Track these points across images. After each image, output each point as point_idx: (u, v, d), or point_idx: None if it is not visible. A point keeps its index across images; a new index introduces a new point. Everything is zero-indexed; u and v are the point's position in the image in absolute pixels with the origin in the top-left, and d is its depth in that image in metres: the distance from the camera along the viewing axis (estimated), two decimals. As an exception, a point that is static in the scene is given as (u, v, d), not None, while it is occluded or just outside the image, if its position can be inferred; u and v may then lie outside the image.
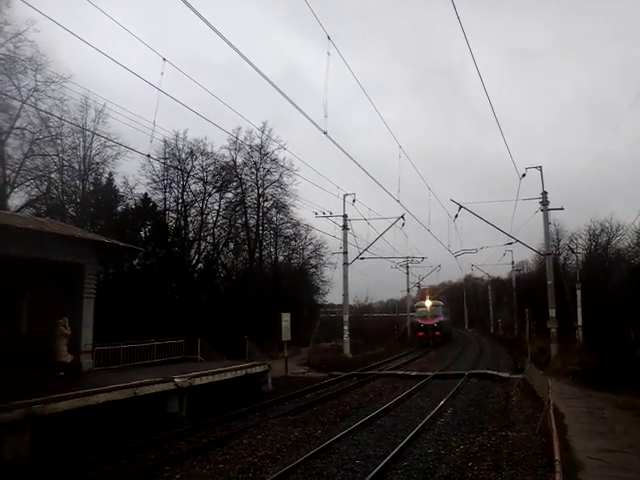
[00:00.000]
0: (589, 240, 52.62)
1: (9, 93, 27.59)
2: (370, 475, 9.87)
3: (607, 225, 51.21)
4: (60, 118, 30.70)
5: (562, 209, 31.49)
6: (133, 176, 40.57)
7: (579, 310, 34.95)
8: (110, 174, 38.55)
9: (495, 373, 26.42)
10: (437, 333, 51.59)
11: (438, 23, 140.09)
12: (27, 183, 32.96)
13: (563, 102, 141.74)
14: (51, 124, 31.85)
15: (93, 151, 36.62)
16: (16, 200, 32.01)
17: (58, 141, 33.75)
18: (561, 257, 51.99)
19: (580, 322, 34.50)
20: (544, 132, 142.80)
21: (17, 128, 29.69)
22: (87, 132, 34.79)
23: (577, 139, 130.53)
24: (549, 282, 29.83)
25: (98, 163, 37.41)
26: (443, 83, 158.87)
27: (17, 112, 29.00)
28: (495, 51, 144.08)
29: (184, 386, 15.73)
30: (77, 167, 36.18)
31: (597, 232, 51.95)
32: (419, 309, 55.04)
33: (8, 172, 30.72)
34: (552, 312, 29.00)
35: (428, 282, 70.26)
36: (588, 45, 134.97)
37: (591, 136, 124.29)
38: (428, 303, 53.62)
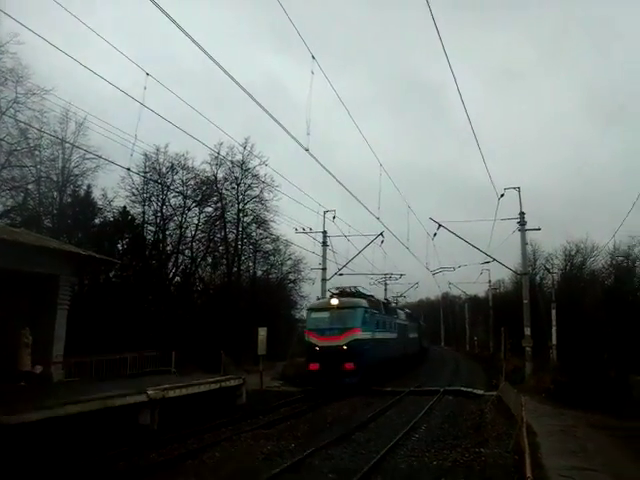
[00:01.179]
0: (565, 260, 53.44)
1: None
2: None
3: (582, 246, 52.07)
4: (39, 130, 30.45)
5: (539, 229, 32.10)
6: (112, 189, 40.26)
7: (554, 329, 35.27)
8: (89, 186, 38.26)
9: (470, 390, 26.53)
10: (349, 366, 25.39)
11: (420, 42, 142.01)
12: (2, 193, 32.48)
13: (544, 120, 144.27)
14: (30, 136, 31.54)
15: (72, 163, 36.29)
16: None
17: (36, 152, 33.36)
18: (537, 277, 52.68)
19: (554, 341, 34.80)
20: (524, 151, 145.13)
21: (-5, 139, 29.33)
22: (66, 144, 34.50)
23: (556, 158, 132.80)
24: (525, 301, 30.19)
25: (77, 175, 37.09)
26: (425, 102, 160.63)
27: (-5, 123, 28.67)
28: (477, 69, 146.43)
29: (157, 398, 15.54)
30: (55, 179, 35.80)
31: (572, 252, 52.79)
32: (314, 314, 28.32)
33: (-17, 182, 30.28)
34: (527, 331, 29.32)
35: (406, 299, 70.51)
36: (569, 63, 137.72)
37: (569, 156, 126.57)
38: (334, 302, 27.57)
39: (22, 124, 29.05)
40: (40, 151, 33.68)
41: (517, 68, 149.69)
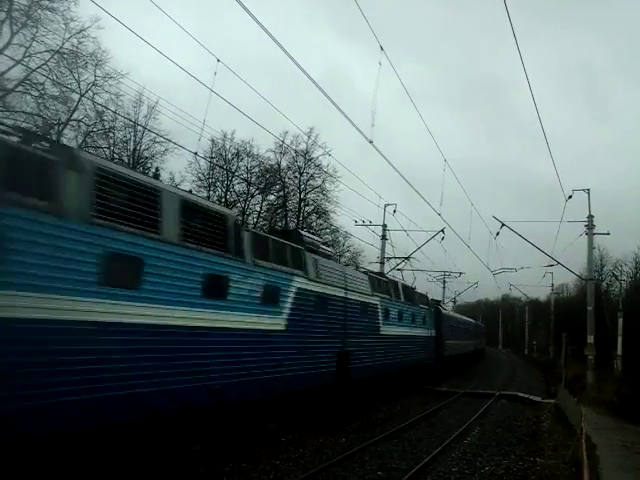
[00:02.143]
0: (635, 268, 51.19)
1: (69, 86, 28.53)
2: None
3: (655, 254, 49.66)
4: (114, 112, 31.66)
5: (608, 234, 30.71)
6: (179, 172, 41.57)
7: (619, 339, 33.88)
8: (157, 169, 39.47)
9: (526, 396, 25.88)
10: None
11: (488, 36, 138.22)
12: (79, 174, 33.91)
13: (618, 122, 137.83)
14: (105, 118, 32.82)
15: (143, 146, 37.55)
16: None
17: (111, 134, 34.78)
18: (604, 283, 50.66)
19: (620, 352, 33.43)
20: (595, 151, 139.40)
21: (74, 120, 30.66)
22: (138, 127, 35.74)
23: (631, 161, 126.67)
24: (589, 308, 29.05)
25: (147, 158, 38.35)
26: (492, 97, 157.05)
27: (75, 105, 29.96)
28: (548, 65, 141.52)
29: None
30: (126, 160, 37.15)
31: (644, 260, 50.43)
32: None
33: (62, 162, 31.66)
34: (590, 339, 28.22)
35: (465, 299, 69.23)
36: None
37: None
38: None
39: (99, 106, 30.28)
40: (114, 133, 35.11)
41: (592, 67, 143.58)
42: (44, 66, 26.90)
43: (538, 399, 25.28)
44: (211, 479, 9.69)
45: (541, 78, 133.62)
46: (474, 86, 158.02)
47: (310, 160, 44.50)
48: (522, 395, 26.12)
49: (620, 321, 34.72)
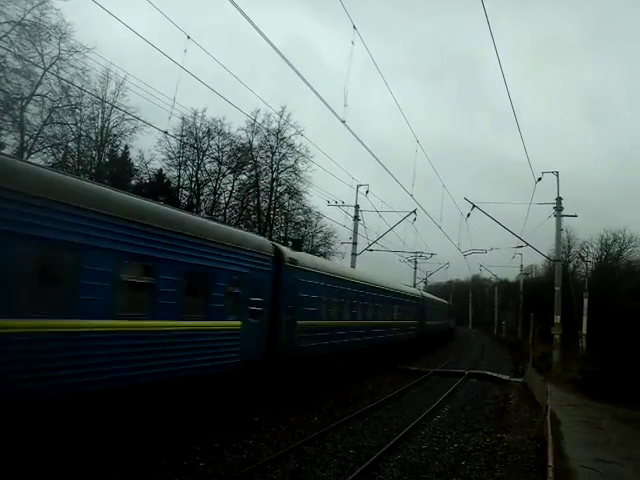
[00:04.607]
0: (600, 249, 52.35)
1: (32, 60, 27.60)
2: (363, 466, 9.94)
3: (620, 236, 50.87)
4: (80, 88, 30.75)
5: (576, 216, 31.26)
6: (149, 151, 40.70)
7: (584, 319, 34.67)
8: (126, 147, 38.74)
9: (495, 375, 26.40)
10: None
11: (460, 9, 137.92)
12: (44, 150, 33.08)
13: (587, 101, 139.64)
14: (71, 93, 31.85)
15: (111, 123, 36.76)
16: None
17: (77, 111, 33.82)
18: (571, 264, 51.65)
19: (585, 331, 34.24)
20: (565, 132, 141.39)
21: (38, 95, 29.72)
22: (106, 104, 34.88)
23: (599, 142, 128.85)
24: (556, 288, 29.67)
25: (115, 135, 37.57)
26: (464, 75, 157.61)
27: (39, 79, 29.00)
28: (519, 41, 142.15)
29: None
30: (94, 138, 36.33)
31: (609, 242, 51.63)
32: None
33: (26, 138, 30.78)
34: (557, 318, 28.86)
35: (436, 279, 69.97)
36: (619, 40, 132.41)
37: (614, 141, 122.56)
38: None
39: (64, 81, 29.41)
40: (81, 109, 34.19)
41: (562, 45, 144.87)
42: (5, 38, 25.94)
43: (506, 378, 25.82)
44: (183, 459, 9.65)
45: (512, 55, 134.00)
46: (445, 63, 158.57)
47: (282, 139, 44.19)
48: (491, 374, 26.65)
49: (585, 301, 35.48)
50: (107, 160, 38.03)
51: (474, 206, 29.44)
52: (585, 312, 35.03)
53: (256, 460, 9.96)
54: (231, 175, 44.34)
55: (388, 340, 27.15)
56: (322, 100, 15.09)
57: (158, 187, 39.71)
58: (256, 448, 10.91)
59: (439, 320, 49.37)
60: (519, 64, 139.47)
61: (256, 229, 44.85)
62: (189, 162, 42.79)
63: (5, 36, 25.90)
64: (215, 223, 14.79)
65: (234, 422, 12.33)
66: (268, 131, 43.53)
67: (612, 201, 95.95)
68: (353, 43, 15.46)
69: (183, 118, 38.97)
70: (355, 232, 35.71)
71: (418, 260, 57.65)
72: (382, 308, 26.08)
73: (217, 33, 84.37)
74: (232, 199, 44.95)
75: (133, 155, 39.62)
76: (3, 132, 29.56)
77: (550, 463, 9.44)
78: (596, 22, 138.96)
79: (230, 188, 44.64)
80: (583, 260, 48.41)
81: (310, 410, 15.09)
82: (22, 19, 26.46)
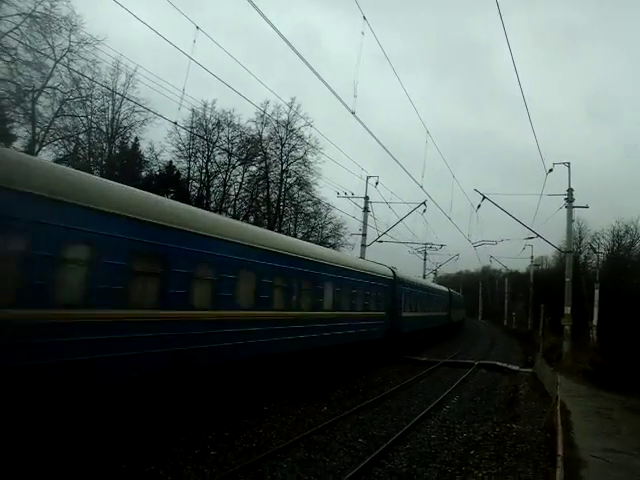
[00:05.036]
0: (612, 241, 51.90)
1: (43, 52, 27.71)
2: (372, 455, 9.99)
3: (632, 227, 50.42)
4: (91, 80, 30.91)
5: (587, 207, 31.03)
6: (159, 142, 41.09)
7: (595, 310, 34.54)
8: (136, 139, 38.92)
9: (505, 365, 26.37)
10: None
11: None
12: (55, 142, 33.32)
13: (599, 91, 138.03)
14: (82, 85, 32.05)
15: (121, 115, 36.90)
16: (44, 158, 32.41)
17: (88, 103, 34.03)
18: (582, 256, 51.34)
19: (595, 322, 34.11)
20: (576, 123, 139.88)
21: (49, 87, 29.89)
22: (117, 96, 35.02)
23: (611, 134, 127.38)
24: (567, 279, 29.50)
25: (125, 127, 37.71)
26: (473, 64, 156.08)
27: (50, 71, 29.13)
28: (530, 30, 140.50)
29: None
30: (105, 130, 36.49)
31: (621, 233, 51.20)
32: None
33: (37, 130, 31.00)
34: (567, 309, 28.73)
35: (445, 270, 69.77)
36: (633, 27, 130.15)
37: (627, 132, 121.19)
38: None
39: (75, 73, 29.53)
40: (91, 101, 34.40)
41: (574, 33, 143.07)
42: (16, 30, 26.02)
43: (516, 368, 25.78)
44: (194, 447, 9.76)
45: (523, 45, 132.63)
46: (455, 53, 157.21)
47: (292, 131, 44.17)
48: (500, 364, 26.61)
49: (597, 292, 35.34)
50: (117, 152, 38.22)
51: (484, 197, 29.31)
52: (596, 303, 34.90)
53: (266, 449, 10.04)
54: (241, 167, 44.52)
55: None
56: (332, 91, 15.07)
57: (168, 179, 39.88)
58: (266, 437, 11.00)
59: (429, 310, 38.09)
60: (530, 53, 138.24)
61: (266, 220, 45.00)
62: (199, 154, 42.99)
63: (16, 28, 26.00)
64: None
65: (244, 411, 12.43)
66: (278, 122, 43.60)
67: (624, 192, 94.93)
68: (363, 34, 15.42)
69: (193, 110, 39.11)
70: (365, 223, 35.67)
71: (428, 251, 57.58)
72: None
73: (226, 24, 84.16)
74: (242, 191, 45.13)
75: (143, 147, 39.86)
76: (15, 124, 29.80)
77: (560, 452, 9.45)
78: (609, 9, 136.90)
79: (240, 180, 44.86)
80: (594, 251, 48.21)
81: (320, 399, 15.18)
82: (33, 11, 26.57)
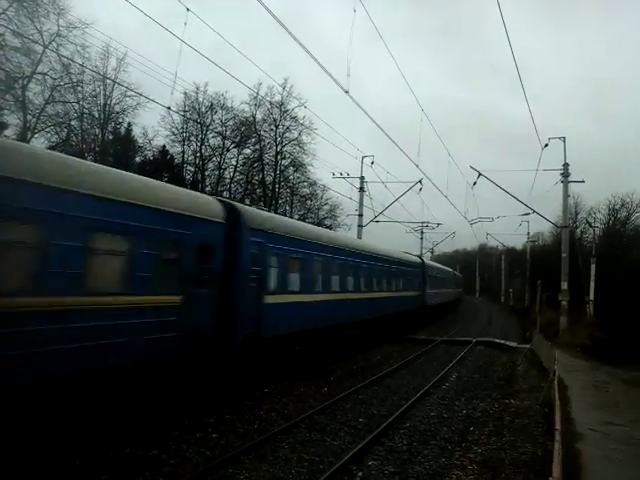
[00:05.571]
0: (608, 215, 51.92)
1: (31, 37, 27.33)
2: (373, 434, 10.09)
3: (628, 200, 50.40)
4: (81, 65, 30.54)
5: (583, 182, 31.07)
6: (152, 127, 40.73)
7: (592, 285, 34.71)
8: (129, 124, 38.63)
9: (503, 342, 26.54)
10: None
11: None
12: (47, 129, 33.02)
13: (597, 61, 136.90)
14: (72, 71, 31.65)
15: (113, 100, 36.56)
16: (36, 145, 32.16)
17: (79, 88, 33.63)
18: (578, 230, 51.42)
19: (592, 297, 34.29)
20: (571, 94, 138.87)
21: (39, 73, 29.54)
22: (108, 81, 34.64)
23: (606, 106, 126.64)
24: (564, 255, 29.63)
25: (118, 112, 37.39)
26: (466, 36, 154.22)
27: (39, 57, 28.78)
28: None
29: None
30: (97, 115, 36.17)
31: (617, 207, 51.21)
32: None
33: (29, 117, 30.71)
34: (564, 285, 28.90)
35: (442, 249, 69.90)
36: None
37: (624, 106, 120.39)
38: None
39: (65, 59, 29.17)
40: (82, 87, 34.01)
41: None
42: (2, 15, 25.69)
43: (514, 344, 25.95)
44: (196, 430, 9.83)
45: (517, 13, 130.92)
46: (447, 24, 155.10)
47: (286, 112, 43.89)
48: (498, 341, 26.79)
49: (593, 267, 35.46)
50: (110, 138, 37.94)
51: (480, 174, 29.33)
52: (593, 278, 35.05)
53: (267, 430, 10.13)
54: (235, 149, 44.33)
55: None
56: (325, 71, 14.94)
57: (162, 163, 39.70)
58: (267, 419, 11.09)
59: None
60: (525, 24, 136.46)
61: (262, 203, 44.90)
62: (193, 137, 42.76)
63: (3, 13, 25.63)
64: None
65: (245, 394, 12.51)
66: (271, 104, 43.26)
67: (620, 165, 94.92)
68: (355, 11, 15.27)
69: (185, 93, 38.82)
70: (361, 204, 35.66)
71: (425, 230, 57.55)
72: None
73: (213, 3, 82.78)
74: (237, 174, 44.98)
75: (136, 132, 39.59)
76: (5, 112, 29.49)
77: (557, 427, 9.56)
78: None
79: (234, 163, 44.69)
80: (590, 226, 48.28)
81: (320, 380, 15.28)
82: (19, -5, 26.16)
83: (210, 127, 42.13)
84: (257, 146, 44.95)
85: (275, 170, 45.82)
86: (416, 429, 10.92)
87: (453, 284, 56.78)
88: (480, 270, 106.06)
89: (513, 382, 16.87)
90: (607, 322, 27.06)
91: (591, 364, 20.47)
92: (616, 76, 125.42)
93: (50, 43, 28.71)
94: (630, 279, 36.31)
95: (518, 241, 79.94)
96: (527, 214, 38.79)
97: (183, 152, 42.37)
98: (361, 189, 35.74)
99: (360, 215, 35.78)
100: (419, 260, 36.62)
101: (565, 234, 31.00)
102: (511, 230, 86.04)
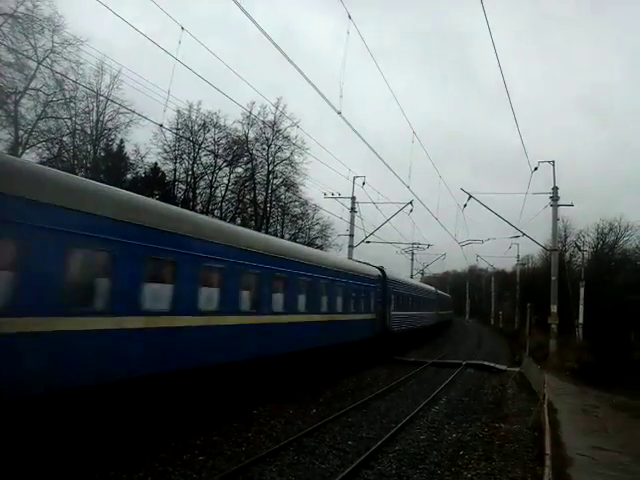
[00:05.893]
0: (597, 239, 52.45)
1: (25, 53, 27.44)
2: (362, 457, 9.98)
3: (616, 224, 50.99)
4: (75, 81, 30.65)
5: (572, 205, 31.37)
6: (144, 144, 40.67)
7: (581, 308, 34.88)
8: (121, 141, 38.67)
9: (492, 365, 26.49)
10: None
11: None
12: (39, 145, 32.99)
13: (584, 83, 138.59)
14: (66, 87, 31.76)
15: (106, 117, 36.65)
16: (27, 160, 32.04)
17: (72, 104, 33.73)
18: (567, 254, 51.80)
19: (581, 320, 34.45)
20: (559, 116, 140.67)
21: (32, 89, 29.59)
22: (101, 97, 34.76)
23: (596, 126, 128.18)
24: (553, 278, 29.75)
25: (110, 129, 37.45)
26: (453, 57, 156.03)
27: (33, 73, 28.87)
28: (511, 21, 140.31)
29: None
30: (89, 132, 36.19)
31: (605, 231, 51.75)
32: None
33: (21, 132, 30.68)
34: (554, 308, 28.98)
35: (432, 270, 70.03)
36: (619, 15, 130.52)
37: (612, 129, 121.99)
38: None
39: (58, 75, 29.27)
40: (75, 103, 34.13)
41: (555, 21, 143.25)
42: (-3, 30, 25.79)
43: (503, 367, 25.90)
44: (183, 452, 9.69)
45: (503, 36, 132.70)
46: (437, 46, 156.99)
47: (278, 132, 44.15)
48: (488, 364, 26.71)
49: (582, 290, 35.67)
50: (102, 154, 37.92)
51: (470, 196, 29.48)
52: (581, 302, 35.23)
53: (255, 453, 9.99)
54: (227, 168, 44.44)
55: None
56: (319, 93, 15.04)
57: (154, 181, 39.68)
58: (255, 441, 10.95)
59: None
60: (511, 45, 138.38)
61: (253, 222, 44.91)
62: (185, 155, 42.83)
63: (-2, 29, 25.76)
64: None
65: (233, 415, 12.37)
66: (264, 123, 43.55)
67: (608, 188, 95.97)
68: (348, 33, 15.42)
69: (178, 111, 39.03)
70: (352, 224, 35.73)
71: (415, 251, 57.76)
72: None
73: (207, 23, 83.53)
74: (228, 192, 45.00)
75: (129, 149, 39.61)
76: (-3, 127, 29.46)
77: (547, 451, 9.52)
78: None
79: (226, 181, 44.77)
80: (579, 249, 48.68)
81: (308, 402, 15.14)
82: (15, 11, 26.33)
83: (202, 145, 42.30)
84: (249, 165, 45.15)
85: (267, 189, 45.95)
86: (405, 453, 10.82)
87: (436, 306, 48.82)
88: (470, 292, 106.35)
89: (503, 405, 16.80)
90: (596, 346, 27.16)
91: (580, 388, 20.46)
92: (608, 101, 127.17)
93: (44, 59, 28.84)
94: (617, 303, 36.60)
95: (508, 263, 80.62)
96: (517, 237, 39.02)
97: (175, 170, 42.41)
98: (352, 209, 35.84)
99: (351, 235, 35.82)
100: (377, 272, 25.77)
101: (554, 257, 31.18)
102: (501, 252, 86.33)
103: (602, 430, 13.45)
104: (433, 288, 51.03)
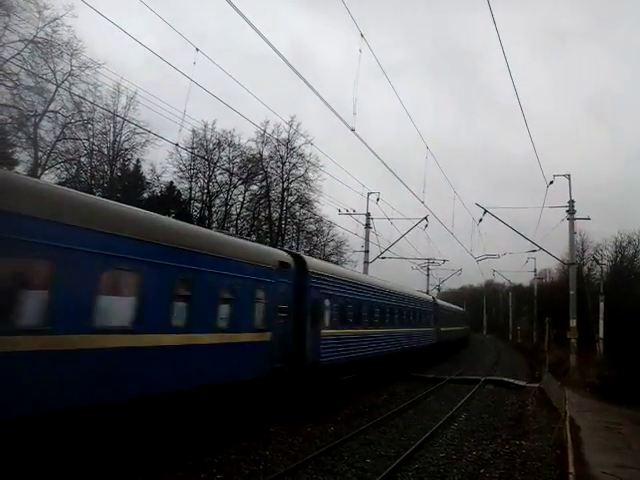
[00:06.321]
0: (615, 252, 51.83)
1: (45, 76, 28.03)
2: (381, 476, 9.87)
3: (635, 238, 50.35)
4: (92, 103, 31.18)
5: (589, 219, 31.06)
6: (160, 164, 41.20)
7: (601, 322, 34.35)
8: (138, 161, 39.22)
9: (511, 381, 26.17)
10: None
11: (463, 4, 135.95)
12: (57, 166, 33.60)
13: (596, 96, 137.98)
14: (84, 109, 32.34)
15: (122, 137, 37.19)
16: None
17: (89, 126, 34.35)
18: (585, 267, 51.24)
19: (601, 334, 33.90)
20: (574, 130, 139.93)
21: (51, 111, 30.19)
22: (118, 118, 35.30)
23: (610, 138, 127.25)
24: (571, 292, 29.39)
25: (127, 149, 38.00)
26: (467, 73, 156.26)
27: (52, 96, 29.47)
28: (522, 35, 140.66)
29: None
30: (106, 152, 36.75)
31: (624, 244, 51.13)
32: None
33: (40, 154, 31.26)
34: (573, 322, 28.59)
35: (449, 285, 69.53)
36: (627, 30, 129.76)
37: (629, 141, 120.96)
38: None
39: (76, 97, 29.83)
40: (93, 124, 34.72)
41: (566, 36, 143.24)
42: (18, 56, 26.41)
43: (523, 383, 25.59)
44: (200, 471, 9.65)
45: (515, 52, 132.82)
46: (449, 61, 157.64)
47: (292, 149, 44.43)
48: (507, 380, 26.41)
49: (602, 305, 35.16)
50: (119, 174, 38.44)
51: (486, 211, 29.31)
52: (601, 316, 34.71)
53: (273, 471, 9.92)
54: (242, 186, 44.78)
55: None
56: (333, 110, 15.16)
57: (170, 200, 40.07)
58: (273, 459, 10.87)
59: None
60: (523, 59, 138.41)
61: (268, 239, 45.06)
62: (200, 174, 43.29)
63: (18, 54, 26.34)
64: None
65: (250, 433, 12.31)
66: (278, 141, 43.90)
67: (626, 201, 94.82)
68: (361, 51, 15.49)
69: (193, 130, 39.46)
70: (367, 240, 35.70)
71: (431, 267, 57.39)
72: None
73: (218, 42, 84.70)
74: (243, 210, 45.31)
75: (145, 168, 40.14)
76: (17, 149, 30.03)
77: (571, 470, 9.34)
78: (603, 11, 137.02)
79: (241, 199, 45.10)
80: (598, 263, 48.09)
81: (327, 419, 15.03)
82: (35, 37, 26.94)
83: (217, 164, 42.72)
84: (264, 183, 45.43)
85: (281, 206, 46.16)
86: (425, 471, 10.68)
87: (432, 320, 42.39)
88: (487, 307, 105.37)
89: (523, 422, 16.55)
90: (617, 361, 26.68)
91: (601, 404, 20.07)
92: (620, 111, 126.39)
93: (63, 82, 29.45)
94: (638, 317, 35.98)
95: (525, 278, 79.51)
96: (534, 251, 38.72)
97: (190, 188, 42.88)
98: (367, 225, 35.83)
99: (366, 251, 35.77)
100: (281, 258, 20.21)
101: (572, 271, 30.84)
102: (518, 267, 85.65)
103: (626, 447, 13.14)
104: (430, 297, 42.62)
